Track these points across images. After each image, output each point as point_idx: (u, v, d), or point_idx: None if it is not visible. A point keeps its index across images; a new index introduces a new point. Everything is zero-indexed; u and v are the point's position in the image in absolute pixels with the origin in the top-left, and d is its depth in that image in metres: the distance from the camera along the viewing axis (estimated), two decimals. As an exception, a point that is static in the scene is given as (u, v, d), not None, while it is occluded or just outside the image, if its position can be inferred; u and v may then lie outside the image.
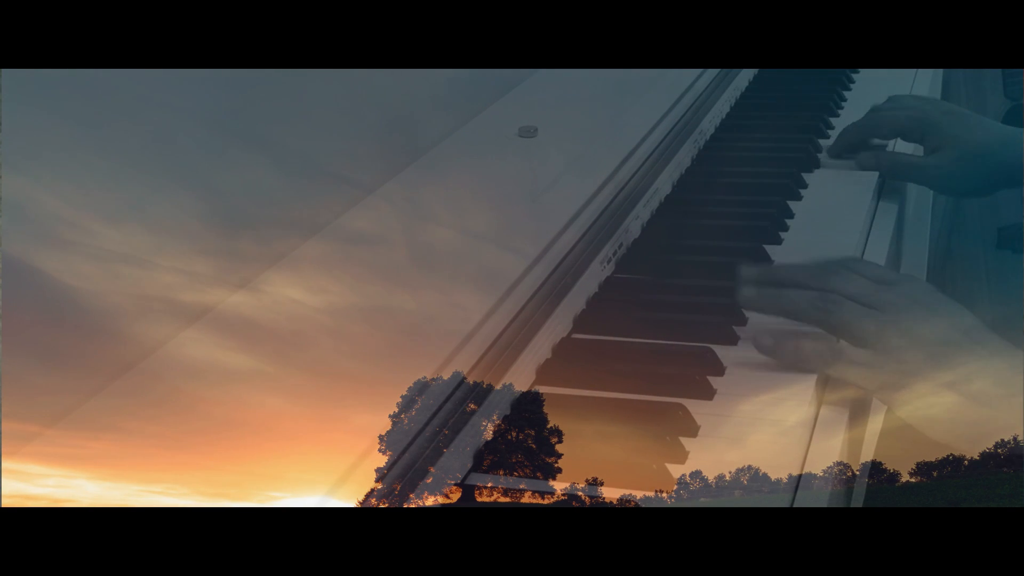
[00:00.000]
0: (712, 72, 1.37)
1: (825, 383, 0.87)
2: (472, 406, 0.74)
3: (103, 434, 0.62)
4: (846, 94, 1.52)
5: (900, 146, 1.28)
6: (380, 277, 0.84)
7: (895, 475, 0.81)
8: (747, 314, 0.94)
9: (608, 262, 1.00)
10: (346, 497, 0.63)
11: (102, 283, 0.69)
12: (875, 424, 0.87)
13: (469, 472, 0.73)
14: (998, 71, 1.94)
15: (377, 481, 0.65)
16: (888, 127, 1.25)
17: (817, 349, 0.86)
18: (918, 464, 0.81)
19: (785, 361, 0.86)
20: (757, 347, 0.87)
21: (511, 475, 0.73)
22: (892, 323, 0.84)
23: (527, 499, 0.72)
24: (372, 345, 0.77)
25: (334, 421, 0.69)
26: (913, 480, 0.80)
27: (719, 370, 0.86)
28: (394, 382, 0.72)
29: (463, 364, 0.75)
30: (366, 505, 0.64)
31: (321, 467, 0.65)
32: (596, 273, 0.97)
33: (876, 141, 1.26)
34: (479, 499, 0.72)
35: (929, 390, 0.83)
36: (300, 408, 0.69)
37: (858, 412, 0.86)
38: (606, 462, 0.74)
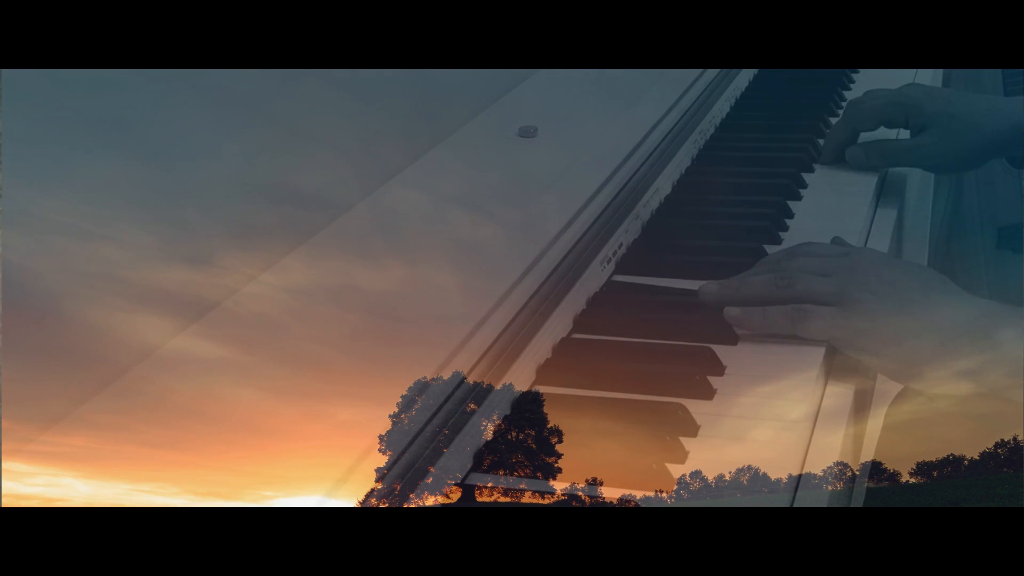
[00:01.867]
0: (712, 72, 1.37)
1: (826, 381, 0.87)
2: (472, 406, 0.74)
3: (83, 432, 0.61)
4: (846, 94, 1.52)
5: (885, 134, 1.28)
6: (352, 258, 0.83)
7: (895, 475, 0.81)
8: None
9: (608, 262, 1.00)
10: (346, 497, 0.63)
11: (39, 260, 0.66)
12: (876, 423, 0.87)
13: (469, 472, 0.73)
14: (998, 71, 1.94)
15: (377, 481, 0.65)
16: (869, 118, 1.25)
17: (783, 311, 0.89)
18: (918, 464, 0.81)
19: (755, 329, 0.90)
20: (728, 319, 0.91)
21: (511, 475, 0.73)
22: (849, 281, 0.88)
23: (527, 499, 0.72)
24: (342, 329, 0.75)
25: (318, 417, 0.68)
26: (913, 480, 0.80)
27: (719, 370, 0.86)
28: (371, 371, 0.72)
29: (463, 364, 0.75)
30: (366, 505, 0.64)
31: (308, 466, 0.64)
32: (596, 273, 0.97)
33: (862, 135, 1.26)
34: (479, 499, 0.72)
35: (894, 337, 0.86)
36: (282, 404, 0.68)
37: (859, 412, 0.86)
38: (606, 462, 0.74)
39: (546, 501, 0.72)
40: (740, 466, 0.73)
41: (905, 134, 1.27)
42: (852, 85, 1.55)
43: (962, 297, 0.87)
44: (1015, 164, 1.27)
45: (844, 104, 1.47)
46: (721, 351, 0.88)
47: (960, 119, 1.18)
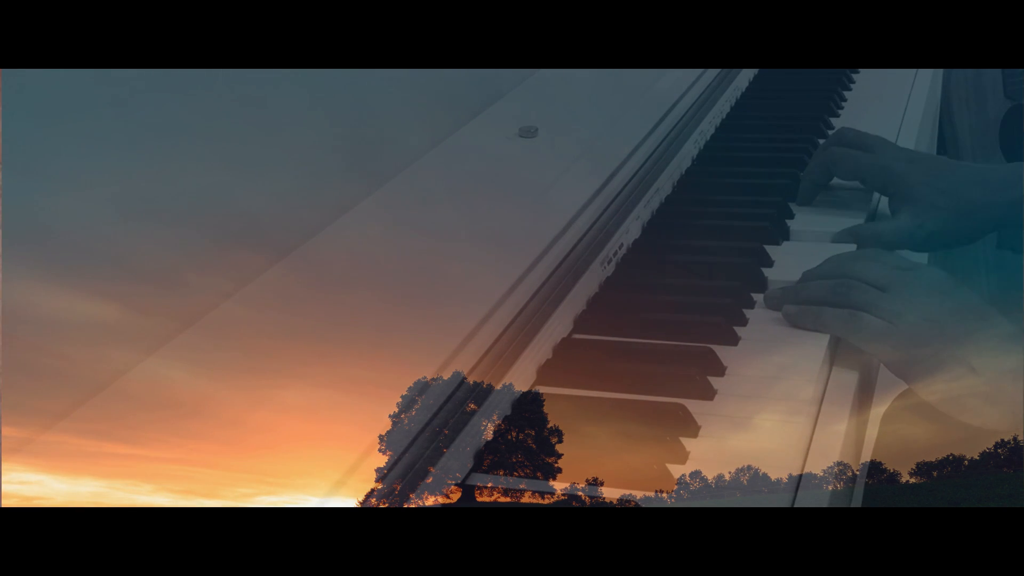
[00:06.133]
0: (712, 72, 1.37)
1: (827, 381, 0.87)
2: (472, 406, 0.74)
3: (57, 429, 0.60)
4: (846, 94, 1.52)
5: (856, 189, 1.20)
6: (351, 259, 0.83)
7: (895, 475, 0.81)
8: (748, 314, 0.94)
9: (608, 262, 1.00)
10: (346, 497, 0.63)
11: (37, 259, 0.64)
12: (875, 424, 0.87)
13: (469, 472, 0.73)
14: (998, 71, 1.94)
15: (377, 481, 0.65)
16: (846, 168, 1.14)
17: (838, 315, 0.90)
18: (918, 464, 0.81)
19: (807, 327, 0.92)
20: (784, 316, 0.93)
21: (511, 475, 0.73)
22: (907, 302, 0.87)
23: (527, 499, 0.72)
24: (341, 332, 0.74)
25: (261, 400, 0.66)
26: (913, 480, 0.80)
27: (719, 370, 0.86)
28: (372, 371, 0.71)
29: (463, 364, 0.75)
30: (366, 505, 0.64)
31: (284, 461, 0.64)
32: (596, 273, 0.97)
33: (836, 181, 1.17)
34: (479, 499, 0.72)
35: (945, 367, 0.85)
36: (226, 388, 0.66)
37: (860, 411, 0.86)
38: (606, 462, 0.74)
39: (546, 501, 0.72)
40: (740, 466, 0.73)
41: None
42: (852, 85, 1.55)
43: (1009, 336, 0.85)
44: (1006, 245, 1.23)
45: (844, 104, 1.48)
46: (721, 351, 0.88)
47: (957, 198, 1.07)
